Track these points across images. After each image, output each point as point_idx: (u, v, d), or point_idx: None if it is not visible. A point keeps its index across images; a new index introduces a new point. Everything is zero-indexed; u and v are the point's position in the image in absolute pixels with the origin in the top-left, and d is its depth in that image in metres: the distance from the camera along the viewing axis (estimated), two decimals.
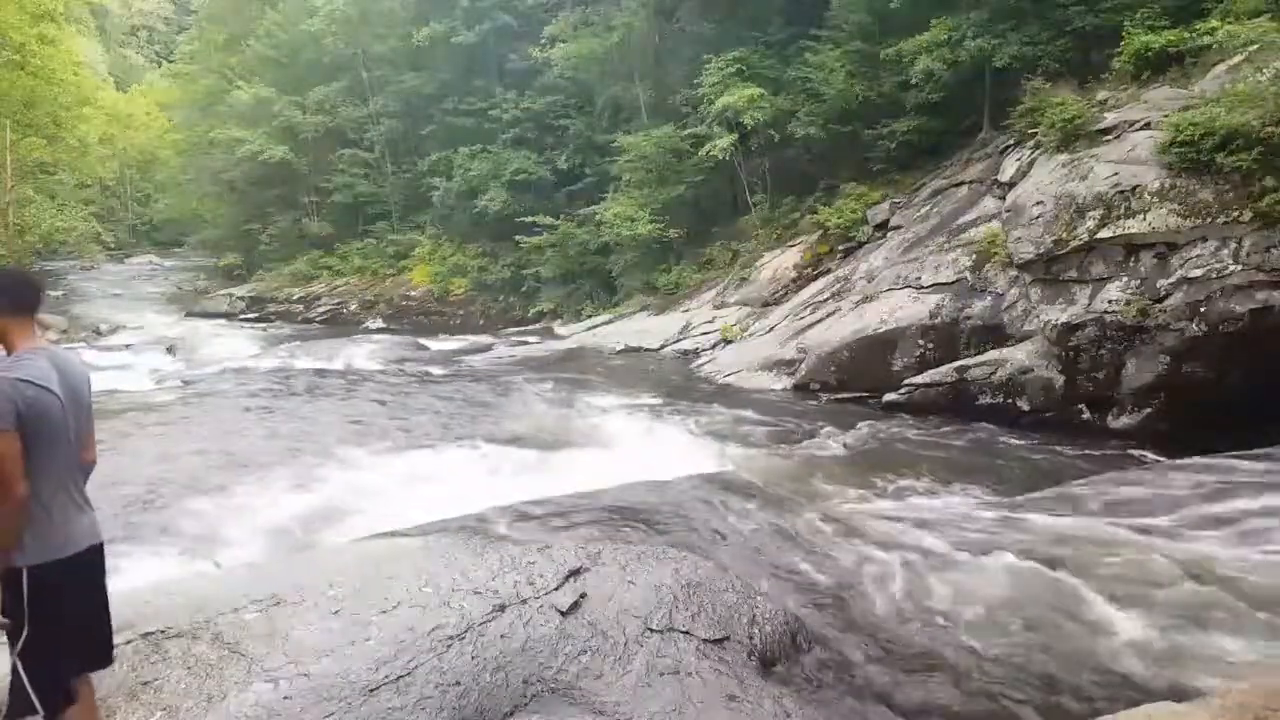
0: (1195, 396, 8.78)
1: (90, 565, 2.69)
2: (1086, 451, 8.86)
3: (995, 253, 11.13)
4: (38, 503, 2.54)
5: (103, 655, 2.79)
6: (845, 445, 9.21)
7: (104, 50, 52.71)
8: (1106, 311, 9.40)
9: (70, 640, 2.63)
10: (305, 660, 3.35)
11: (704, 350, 15.12)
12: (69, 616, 2.61)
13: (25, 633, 2.50)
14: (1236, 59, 10.28)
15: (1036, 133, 12.08)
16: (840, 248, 15.72)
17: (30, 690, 2.50)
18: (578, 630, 3.77)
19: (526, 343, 19.42)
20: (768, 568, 5.14)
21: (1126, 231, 9.59)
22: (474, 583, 4.02)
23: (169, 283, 36.36)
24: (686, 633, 3.88)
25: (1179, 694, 3.71)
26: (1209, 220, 9.00)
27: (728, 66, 18.53)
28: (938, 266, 11.85)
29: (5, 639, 2.55)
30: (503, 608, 3.82)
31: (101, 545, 2.76)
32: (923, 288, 11.74)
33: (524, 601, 3.89)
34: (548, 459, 8.69)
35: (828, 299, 13.80)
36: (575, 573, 4.20)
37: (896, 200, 15.32)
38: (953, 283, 11.41)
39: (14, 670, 2.51)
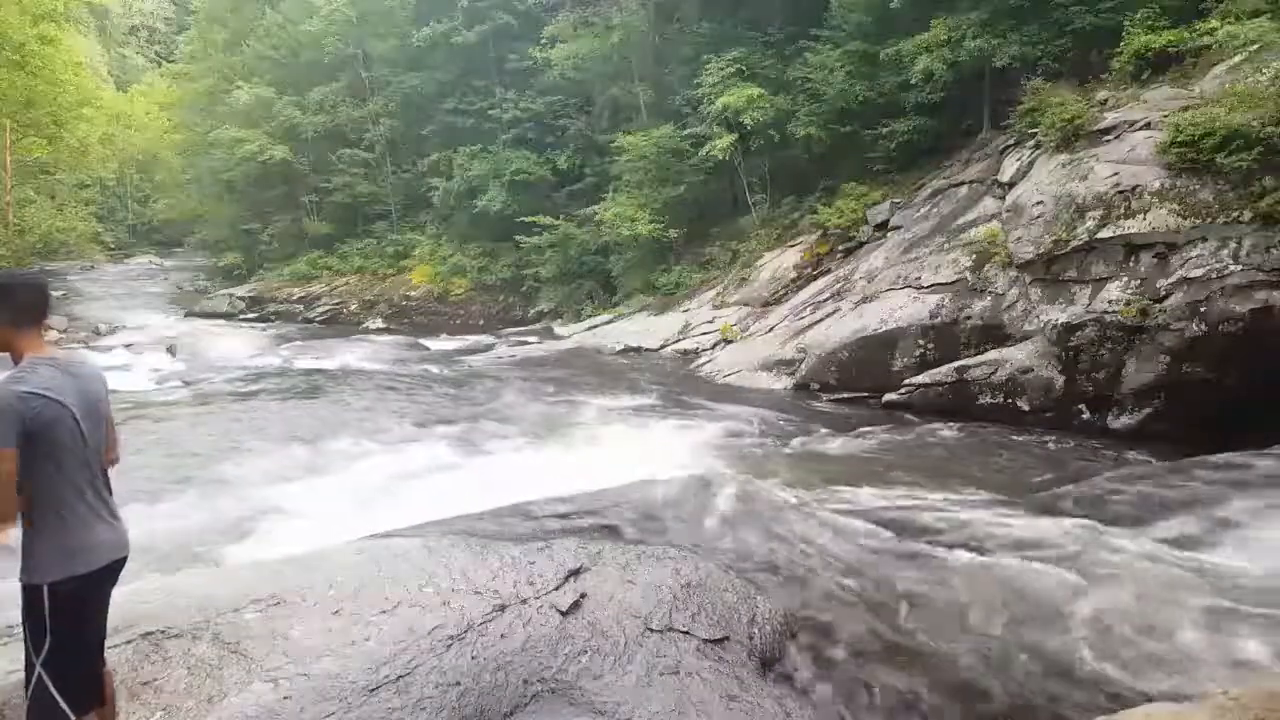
0: (1195, 396, 8.79)
1: (108, 578, 2.66)
2: (1086, 451, 8.86)
3: (995, 253, 11.13)
4: (55, 516, 2.48)
5: (102, 658, 2.79)
6: (845, 446, 9.21)
7: (104, 50, 52.64)
8: (1106, 311, 9.40)
9: (91, 649, 2.63)
10: (305, 660, 3.35)
11: (704, 350, 15.12)
12: (88, 628, 2.60)
13: (48, 645, 2.47)
14: (1236, 59, 10.28)
15: (1036, 133, 12.09)
16: (840, 248, 15.72)
17: (59, 699, 2.49)
18: (578, 630, 3.76)
19: (526, 343, 19.42)
20: (768, 567, 5.13)
21: (1126, 231, 9.60)
22: (474, 583, 4.02)
23: (169, 283, 36.33)
24: (686, 633, 3.88)
25: (1179, 694, 3.71)
26: (1209, 220, 9.01)
27: (728, 66, 18.54)
28: (938, 266, 11.85)
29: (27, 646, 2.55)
30: (503, 608, 3.81)
31: (124, 560, 2.71)
32: (923, 288, 11.74)
33: (524, 601, 3.89)
34: (547, 458, 8.69)
35: (828, 299, 13.81)
36: (575, 573, 4.20)
37: (896, 200, 15.32)
38: (953, 283, 11.41)
39: (39, 681, 2.49)
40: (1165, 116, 9.99)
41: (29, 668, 2.51)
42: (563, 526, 5.47)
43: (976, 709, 3.84)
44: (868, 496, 7.12)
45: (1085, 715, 3.71)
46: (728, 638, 3.92)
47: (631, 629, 3.82)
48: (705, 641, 3.85)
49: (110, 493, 2.69)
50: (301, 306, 28.53)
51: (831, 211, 16.32)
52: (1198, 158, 9.25)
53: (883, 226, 14.94)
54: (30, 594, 2.48)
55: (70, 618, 2.50)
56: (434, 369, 15.44)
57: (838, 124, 17.16)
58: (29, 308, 2.55)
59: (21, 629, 2.54)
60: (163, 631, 3.60)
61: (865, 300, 12.65)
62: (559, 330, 21.32)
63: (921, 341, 11.15)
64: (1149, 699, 3.66)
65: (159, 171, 44.02)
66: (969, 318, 10.87)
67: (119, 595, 3.00)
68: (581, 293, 22.98)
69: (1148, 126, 10.31)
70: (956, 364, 10.58)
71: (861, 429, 9.84)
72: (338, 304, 28.21)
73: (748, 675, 3.74)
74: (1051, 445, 9.18)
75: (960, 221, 12.60)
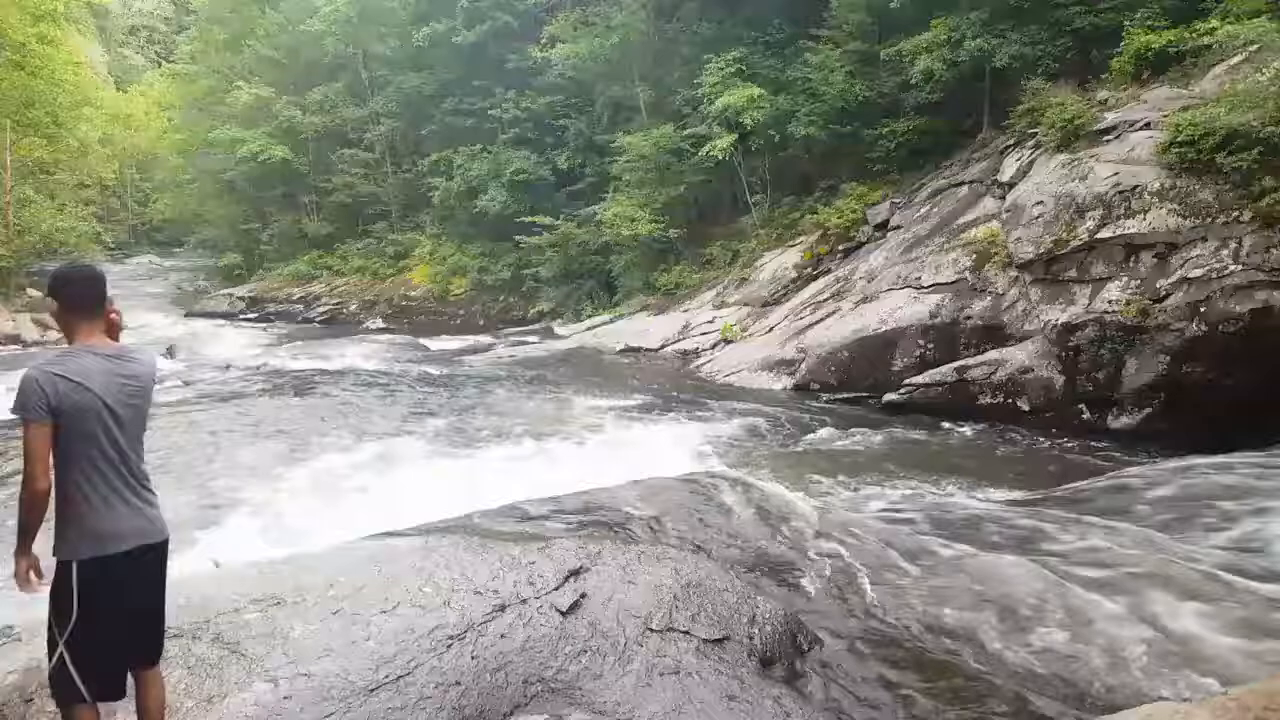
0: (1195, 396, 8.79)
1: (145, 563, 2.72)
2: (1086, 451, 8.87)
3: (995, 253, 11.13)
4: (80, 498, 2.58)
5: (151, 653, 2.81)
6: (845, 445, 9.21)
7: (104, 50, 52.65)
8: (1106, 311, 9.40)
9: (119, 635, 2.66)
10: (305, 660, 3.35)
11: (704, 350, 15.11)
12: (120, 613, 2.64)
13: (72, 623, 2.55)
14: (1236, 59, 10.29)
15: (1036, 133, 12.09)
16: (840, 248, 15.73)
17: (77, 678, 2.56)
18: (578, 630, 3.76)
19: (526, 343, 19.42)
20: (768, 567, 5.13)
21: (1126, 231, 9.60)
22: (474, 583, 4.02)
23: (169, 283, 36.34)
24: (686, 633, 3.88)
25: (1179, 694, 3.71)
26: (1209, 220, 9.01)
27: (728, 66, 18.53)
28: (938, 266, 11.85)
29: (53, 628, 2.61)
30: (503, 607, 3.81)
31: (160, 544, 2.77)
32: (923, 288, 11.74)
33: (524, 601, 3.89)
34: (547, 458, 8.69)
35: (828, 299, 13.81)
36: (575, 573, 4.20)
37: (896, 200, 15.32)
38: (953, 283, 11.41)
39: (59, 659, 2.57)
40: (1165, 116, 9.99)
41: (51, 644, 2.59)
42: (563, 526, 5.47)
43: (976, 707, 3.84)
44: (867, 495, 7.13)
45: (1086, 714, 3.71)
46: (728, 638, 3.92)
47: (631, 629, 3.83)
48: (705, 641, 3.85)
49: (144, 479, 2.77)
50: (301, 307, 28.55)
51: (831, 211, 16.32)
52: (1198, 158, 9.25)
53: (883, 226, 14.94)
54: (60, 569, 2.59)
55: (96, 598, 2.58)
56: (433, 369, 15.42)
57: (838, 124, 17.16)
58: (81, 298, 2.69)
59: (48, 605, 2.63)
60: None
61: (865, 300, 12.65)
62: (559, 330, 21.32)
63: (921, 341, 11.15)
64: (1149, 698, 3.65)
65: (159, 171, 43.99)
66: (969, 318, 10.87)
67: None
68: (581, 293, 22.97)
69: (1148, 126, 10.31)
70: (956, 364, 10.58)
71: (861, 429, 9.84)
72: (337, 304, 28.22)
73: (748, 675, 3.74)
74: (1051, 445, 9.19)
75: (960, 221, 12.60)
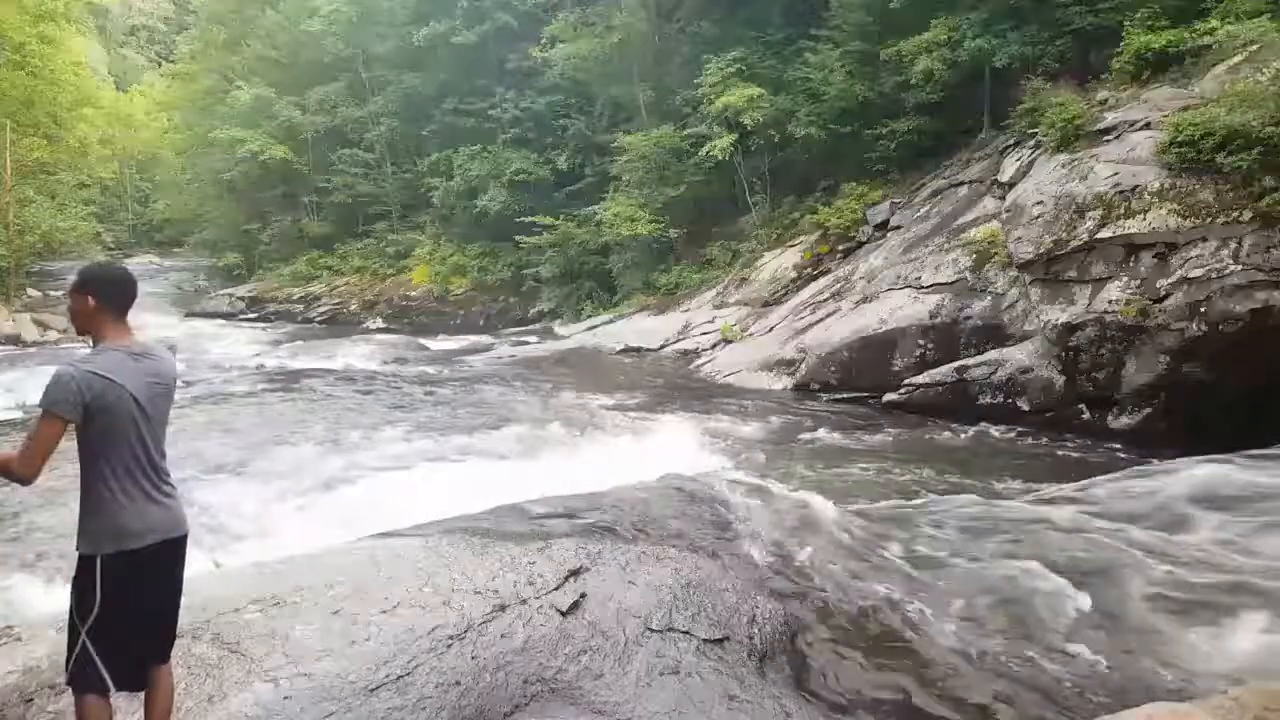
0: (1195, 396, 8.80)
1: (166, 558, 2.75)
2: (1086, 451, 8.87)
3: (995, 253, 11.14)
4: (108, 494, 2.63)
5: (165, 648, 2.83)
6: (845, 445, 9.21)
7: (104, 50, 52.65)
8: (1106, 311, 9.41)
9: (140, 628, 2.70)
10: (305, 660, 3.35)
11: (704, 350, 15.11)
12: (141, 605, 2.68)
13: (95, 614, 2.59)
14: (1236, 59, 10.29)
15: (1036, 133, 12.10)
16: (840, 248, 15.74)
17: (101, 666, 2.60)
18: (578, 630, 3.77)
19: (526, 342, 19.42)
20: (768, 567, 5.13)
21: (1126, 231, 9.60)
22: (474, 583, 4.02)
23: (169, 283, 36.29)
24: (686, 633, 3.88)
25: (1179, 694, 3.71)
26: (1209, 220, 9.01)
27: (728, 66, 18.54)
28: (938, 266, 11.85)
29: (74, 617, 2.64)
30: (503, 608, 3.81)
31: (181, 539, 2.81)
32: (923, 288, 11.75)
33: (524, 601, 3.89)
34: (547, 458, 8.68)
35: (828, 299, 13.81)
36: (575, 573, 4.20)
37: (896, 200, 15.33)
38: (953, 283, 11.41)
39: (82, 648, 2.60)
40: (1165, 116, 10.00)
41: (73, 634, 2.63)
42: (563, 526, 5.46)
43: (979, 707, 3.84)
44: (867, 495, 7.13)
45: (1085, 714, 3.71)
46: (728, 638, 3.92)
47: (631, 629, 3.83)
48: (705, 641, 3.85)
49: (166, 474, 2.80)
50: (301, 307, 28.53)
51: (831, 211, 16.32)
52: (1198, 158, 9.25)
53: (883, 226, 14.95)
54: (84, 563, 2.63)
55: (122, 589, 2.62)
56: (433, 369, 15.43)
57: (838, 124, 17.16)
58: (116, 298, 2.75)
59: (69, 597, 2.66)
60: None
61: (865, 300, 12.66)
62: (559, 330, 21.32)
63: (921, 341, 11.15)
64: (1149, 698, 3.65)
65: (159, 171, 43.99)
66: (969, 318, 10.87)
67: None
68: (581, 293, 22.97)
69: (1148, 126, 10.31)
70: (956, 364, 10.58)
71: (861, 428, 9.85)
72: (338, 304, 28.20)
73: (748, 675, 3.74)
74: (1051, 445, 9.19)
75: (960, 221, 12.61)
